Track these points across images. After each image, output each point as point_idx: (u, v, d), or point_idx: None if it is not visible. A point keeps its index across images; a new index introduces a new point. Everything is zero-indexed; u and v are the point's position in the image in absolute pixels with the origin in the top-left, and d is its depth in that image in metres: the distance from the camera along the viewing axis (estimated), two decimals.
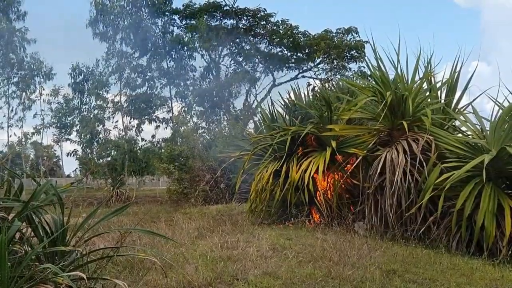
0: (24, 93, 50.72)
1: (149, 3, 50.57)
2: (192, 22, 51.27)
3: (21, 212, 6.21)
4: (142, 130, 49.61)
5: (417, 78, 15.19)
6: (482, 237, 11.73)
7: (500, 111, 13.48)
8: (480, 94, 14.40)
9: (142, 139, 49.76)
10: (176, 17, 52.80)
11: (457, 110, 15.15)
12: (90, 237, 6.89)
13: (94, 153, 48.24)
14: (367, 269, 9.24)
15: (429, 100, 15.25)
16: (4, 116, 50.41)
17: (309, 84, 21.98)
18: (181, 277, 8.35)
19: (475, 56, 28.84)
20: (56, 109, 49.38)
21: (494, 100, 13.66)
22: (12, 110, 50.87)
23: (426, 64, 15.28)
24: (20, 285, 5.34)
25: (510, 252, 11.36)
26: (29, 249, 6.26)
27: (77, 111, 49.25)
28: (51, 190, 6.81)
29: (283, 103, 19.25)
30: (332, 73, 26.50)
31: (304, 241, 12.00)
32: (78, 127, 48.52)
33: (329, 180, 15.71)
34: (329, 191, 15.78)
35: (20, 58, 49.88)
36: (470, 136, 13.90)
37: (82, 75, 48.82)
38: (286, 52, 53.52)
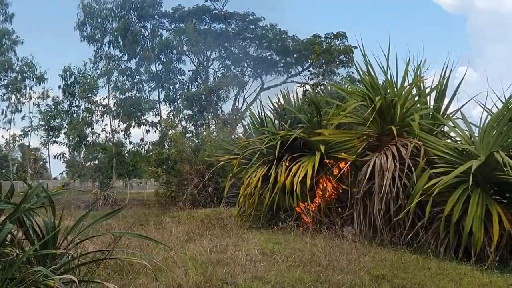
0: (13, 96, 50.65)
1: (138, 6, 50.58)
2: (181, 25, 51.36)
3: (13, 214, 6.20)
4: (130, 133, 49.59)
5: (406, 83, 15.22)
6: (470, 243, 11.77)
7: (489, 117, 13.54)
8: (469, 100, 14.48)
9: (130, 143, 49.73)
10: (165, 20, 52.94)
11: (446, 115, 15.21)
12: (81, 240, 6.88)
13: (82, 156, 48.13)
14: (356, 273, 9.26)
15: (418, 105, 15.27)
16: None
17: (301, 86, 22.01)
18: (171, 281, 8.36)
19: (462, 62, 28.95)
20: (45, 112, 49.25)
21: (483, 106, 13.73)
22: (1, 113, 50.85)
23: (415, 70, 15.32)
24: (11, 287, 5.33)
25: (498, 257, 11.39)
26: (20, 251, 6.25)
27: (65, 114, 49.14)
28: (43, 192, 6.81)
29: (272, 107, 19.28)
30: (322, 78, 26.51)
31: (293, 245, 12.01)
32: (66, 130, 48.42)
33: (318, 185, 15.72)
34: (318, 196, 15.80)
35: (10, 60, 49.79)
36: (459, 142, 13.96)
37: (73, 77, 48.74)
38: (275, 56, 53.74)
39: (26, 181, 7.86)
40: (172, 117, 50.15)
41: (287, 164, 15.70)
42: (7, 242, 6.37)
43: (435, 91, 15.45)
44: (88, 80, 48.41)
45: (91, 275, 6.77)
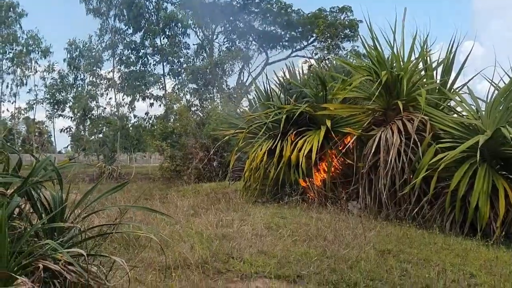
0: (18, 69, 50.58)
1: None
2: None
3: (21, 187, 6.20)
4: (134, 107, 49.60)
5: (412, 58, 15.15)
6: (476, 218, 11.77)
7: (496, 92, 13.49)
8: (476, 75, 14.40)
9: (135, 116, 49.76)
10: None
11: (452, 90, 15.14)
12: (88, 214, 6.88)
13: (87, 129, 48.20)
14: (362, 248, 9.26)
15: (424, 80, 15.22)
16: None
17: (306, 61, 21.96)
18: (177, 255, 8.36)
19: (468, 37, 28.82)
20: (50, 85, 49.27)
21: (490, 81, 13.67)
22: (6, 86, 50.80)
23: (422, 44, 15.23)
24: (19, 260, 5.34)
25: (503, 233, 11.41)
26: (28, 225, 6.26)
27: (70, 87, 49.16)
28: (50, 166, 6.80)
29: (277, 81, 19.24)
30: (327, 52, 26.44)
31: (298, 220, 11.99)
32: (71, 103, 48.45)
33: (323, 160, 15.71)
34: (323, 171, 15.80)
35: (15, 33, 49.68)
36: (465, 117, 13.90)
37: (78, 50, 48.70)
38: (279, 30, 53.50)
39: (33, 155, 7.84)
40: (177, 91, 50.09)
41: (292, 139, 15.69)
42: (15, 216, 6.37)
43: (441, 65, 15.37)
44: (93, 54, 48.41)
45: (98, 248, 6.78)
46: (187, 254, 8.48)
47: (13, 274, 5.09)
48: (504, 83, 13.44)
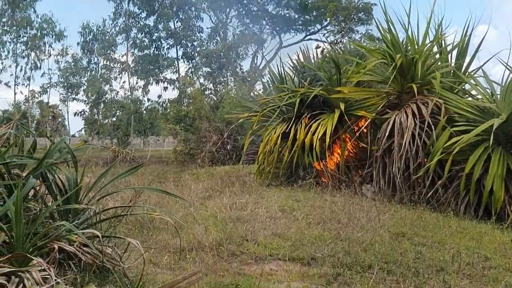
0: (33, 52, 50.71)
1: None
2: None
3: (36, 169, 6.22)
4: (148, 91, 49.68)
5: (427, 41, 15.09)
6: (491, 202, 11.77)
7: (511, 75, 13.43)
8: (491, 58, 14.39)
9: (148, 100, 49.84)
10: None
11: (467, 73, 15.08)
12: (102, 196, 6.90)
13: (100, 113, 48.33)
14: (376, 231, 9.27)
15: (439, 63, 15.16)
16: (11, 75, 50.49)
17: (318, 46, 21.89)
18: (191, 237, 8.41)
19: (483, 20, 28.70)
20: (64, 69, 49.41)
21: (505, 64, 13.60)
22: (20, 69, 50.94)
23: (436, 27, 15.18)
24: (34, 241, 5.36)
25: None
26: (44, 206, 6.28)
27: (84, 71, 49.30)
28: (65, 148, 6.82)
29: (291, 64, 19.24)
30: (341, 35, 26.30)
31: (312, 203, 12.01)
32: (84, 87, 48.61)
33: (337, 143, 15.70)
34: (337, 154, 15.79)
35: (29, 17, 49.77)
36: (480, 100, 13.85)
37: (92, 34, 48.79)
38: (293, 14, 53.34)
39: (49, 137, 7.87)
40: (191, 74, 50.11)
41: (306, 122, 15.66)
42: (30, 197, 6.40)
43: (456, 49, 15.31)
44: (106, 37, 48.46)
45: (112, 230, 6.80)
46: (201, 236, 8.52)
47: (28, 255, 5.11)
48: None
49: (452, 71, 15.03)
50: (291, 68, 19.11)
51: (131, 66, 49.87)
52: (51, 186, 6.48)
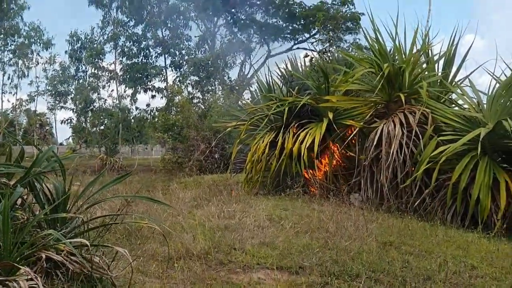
0: (20, 61, 50.70)
1: None
2: None
3: (23, 178, 6.22)
4: (136, 99, 49.70)
5: (414, 50, 15.17)
6: (477, 210, 11.81)
7: (497, 85, 13.51)
8: (477, 68, 14.43)
9: (136, 108, 49.86)
10: None
11: (454, 83, 15.17)
12: (90, 205, 6.91)
13: (88, 121, 48.31)
14: (363, 240, 9.30)
15: (426, 72, 15.24)
16: None
17: (306, 55, 21.96)
18: (180, 246, 8.41)
19: (468, 29, 28.89)
20: (52, 77, 49.42)
21: (491, 74, 13.69)
22: (8, 78, 50.92)
23: (423, 37, 15.27)
24: (22, 251, 5.37)
25: (504, 225, 11.43)
26: (31, 215, 6.28)
27: (72, 79, 49.32)
28: (53, 157, 6.82)
29: (279, 73, 19.29)
30: (329, 44, 26.44)
31: (300, 212, 12.04)
32: (72, 95, 48.60)
33: (325, 152, 15.74)
34: (325, 163, 15.83)
35: (17, 25, 49.76)
36: (467, 110, 13.91)
37: (80, 42, 48.78)
38: (281, 22, 53.43)
39: (36, 146, 7.85)
40: (179, 83, 50.12)
41: (294, 131, 15.69)
42: (17, 206, 6.40)
43: (443, 58, 15.41)
44: (95, 46, 48.47)
45: (100, 239, 6.81)
46: (189, 245, 8.54)
47: (15, 264, 5.12)
48: (506, 76, 13.47)
49: (439, 81, 15.10)
50: (279, 77, 19.17)
51: (119, 74, 49.89)
52: (39, 195, 6.49)
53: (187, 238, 9.07)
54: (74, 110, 48.27)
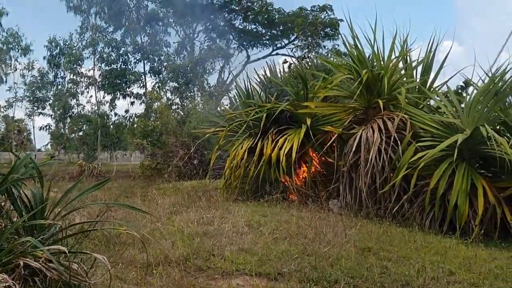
0: None
1: None
2: None
3: (1, 185, 6.19)
4: (115, 105, 49.55)
5: (393, 56, 15.26)
6: (455, 216, 11.85)
7: (475, 91, 13.60)
8: (455, 74, 14.59)
9: (116, 114, 49.71)
10: None
11: (432, 89, 15.26)
12: (69, 211, 6.88)
13: (67, 127, 48.12)
14: (342, 246, 9.30)
15: (404, 79, 15.32)
16: None
17: (285, 61, 21.98)
18: (158, 252, 8.39)
19: (447, 36, 29.12)
20: (30, 83, 49.19)
21: (469, 80, 13.79)
22: None
23: (402, 43, 15.35)
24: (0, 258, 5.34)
25: (482, 231, 11.46)
26: (9, 222, 6.25)
27: (50, 85, 49.08)
28: (31, 163, 6.79)
29: (258, 79, 19.29)
30: (307, 51, 26.46)
31: (279, 218, 12.03)
32: (51, 101, 48.39)
33: (304, 158, 15.76)
34: (304, 169, 15.85)
35: None
36: (445, 116, 13.98)
37: (58, 48, 48.56)
38: (260, 29, 53.57)
39: (14, 152, 7.84)
40: (158, 89, 50.06)
41: (273, 137, 15.70)
42: None
43: (421, 65, 15.51)
44: (73, 51, 48.29)
45: (79, 246, 6.78)
46: (168, 251, 8.51)
47: None
48: (483, 82, 13.56)
49: (417, 87, 15.19)
50: (258, 83, 19.17)
51: (98, 80, 49.70)
52: (17, 202, 6.45)
53: (166, 244, 9.05)
54: (53, 116, 48.07)
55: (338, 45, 47.70)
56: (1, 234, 5.70)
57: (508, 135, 12.63)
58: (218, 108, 28.47)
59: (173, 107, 42.91)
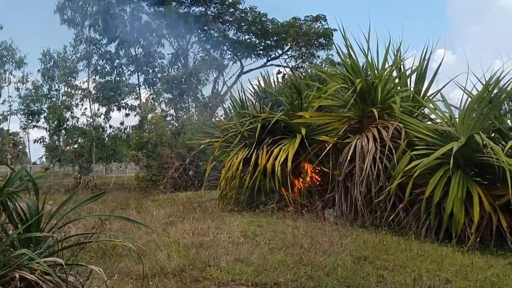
0: None
1: None
2: (161, 9, 50.96)
3: None
4: (110, 117, 49.47)
5: (387, 65, 15.29)
6: (451, 224, 11.86)
7: (469, 99, 13.61)
8: (449, 82, 14.56)
9: (110, 126, 49.62)
10: (144, 3, 52.37)
11: (426, 98, 15.28)
12: (64, 223, 6.87)
13: (62, 140, 48.03)
14: (338, 255, 9.31)
15: (399, 87, 15.36)
16: None
17: (279, 72, 22.03)
18: (154, 264, 8.38)
19: (440, 44, 29.17)
20: (24, 96, 49.08)
21: (463, 88, 13.80)
22: None
23: (395, 52, 15.39)
24: None
25: (478, 239, 11.51)
26: (4, 235, 6.23)
27: (45, 98, 48.98)
28: (26, 176, 6.79)
29: (252, 90, 19.31)
30: (301, 61, 26.57)
31: (275, 228, 12.04)
32: (45, 114, 48.28)
33: (299, 168, 15.75)
34: (299, 179, 15.85)
35: None
36: (440, 124, 13.99)
37: (52, 61, 48.48)
38: (254, 39, 53.55)
39: (9, 165, 7.83)
40: (152, 100, 50.02)
41: (268, 147, 15.69)
42: None
43: (415, 73, 15.54)
44: (67, 64, 48.22)
45: (75, 258, 6.77)
46: (164, 262, 8.50)
47: None
48: (477, 90, 13.58)
49: (411, 96, 15.21)
50: (252, 93, 19.19)
51: (93, 92, 49.58)
52: (12, 214, 6.44)
53: (161, 255, 9.04)
54: (47, 129, 47.91)
55: (332, 54, 47.83)
56: None
57: (503, 142, 12.64)
58: (213, 119, 28.48)
59: (168, 119, 42.99)
